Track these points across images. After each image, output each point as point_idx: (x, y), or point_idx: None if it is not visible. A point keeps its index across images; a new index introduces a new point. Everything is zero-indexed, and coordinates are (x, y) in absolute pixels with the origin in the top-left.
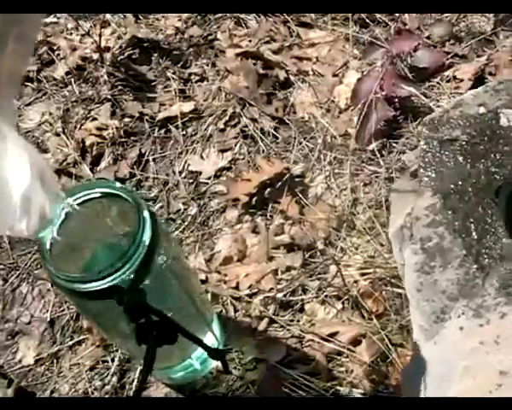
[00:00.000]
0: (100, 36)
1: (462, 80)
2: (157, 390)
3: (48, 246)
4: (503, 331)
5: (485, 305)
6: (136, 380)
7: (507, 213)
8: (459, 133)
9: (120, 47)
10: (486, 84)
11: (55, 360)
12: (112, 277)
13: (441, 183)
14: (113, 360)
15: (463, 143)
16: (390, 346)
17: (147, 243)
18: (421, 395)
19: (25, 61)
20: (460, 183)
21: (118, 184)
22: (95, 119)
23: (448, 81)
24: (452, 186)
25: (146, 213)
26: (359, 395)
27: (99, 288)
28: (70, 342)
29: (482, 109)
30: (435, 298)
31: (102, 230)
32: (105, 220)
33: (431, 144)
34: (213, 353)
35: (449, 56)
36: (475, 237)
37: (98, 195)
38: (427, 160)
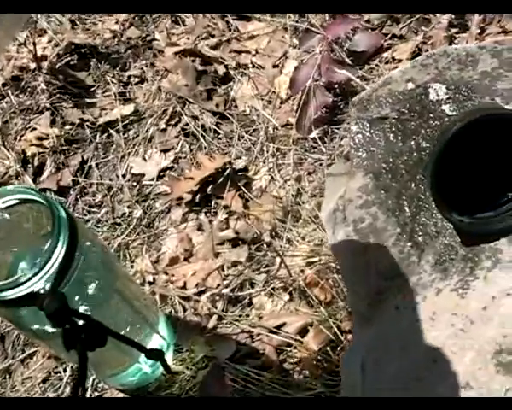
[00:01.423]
0: (34, 44)
1: (400, 60)
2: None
3: None
4: (438, 307)
5: (421, 282)
6: (89, 388)
7: (432, 187)
8: (388, 111)
9: (58, 54)
10: (415, 59)
11: (7, 376)
12: (30, 282)
13: (373, 162)
14: (65, 371)
15: (393, 120)
16: (339, 333)
17: (64, 245)
18: (359, 379)
19: None
20: (391, 161)
21: (32, 189)
22: (34, 129)
23: (387, 63)
24: (384, 165)
25: (62, 216)
26: (310, 386)
27: (17, 295)
28: (21, 356)
29: (411, 85)
30: (370, 279)
31: (22, 236)
32: (24, 226)
33: (360, 125)
34: (150, 353)
35: (387, 38)
36: (409, 214)
37: (15, 201)
38: (357, 140)
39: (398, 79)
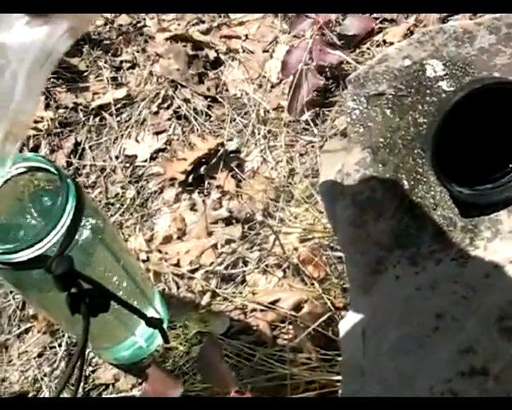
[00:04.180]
0: None
1: (392, 43)
2: (105, 372)
3: None
4: (439, 276)
5: (421, 253)
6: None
7: (432, 158)
8: (385, 87)
9: None
10: (411, 37)
11: (3, 350)
12: (38, 245)
13: (370, 137)
14: (60, 346)
15: (390, 96)
16: (333, 309)
17: (71, 209)
18: (360, 345)
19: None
20: (389, 136)
21: (43, 157)
22: None
23: (378, 46)
24: (381, 140)
25: (69, 182)
26: (304, 361)
27: (26, 258)
28: (17, 331)
29: (407, 62)
30: (369, 250)
31: (29, 202)
32: (31, 193)
33: (357, 101)
34: (149, 321)
35: (378, 21)
36: (407, 187)
37: (23, 169)
38: (354, 116)
39: (395, 56)
